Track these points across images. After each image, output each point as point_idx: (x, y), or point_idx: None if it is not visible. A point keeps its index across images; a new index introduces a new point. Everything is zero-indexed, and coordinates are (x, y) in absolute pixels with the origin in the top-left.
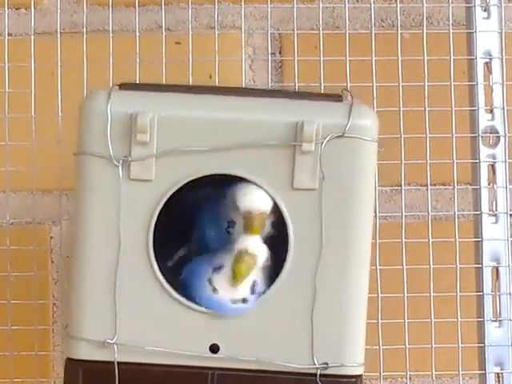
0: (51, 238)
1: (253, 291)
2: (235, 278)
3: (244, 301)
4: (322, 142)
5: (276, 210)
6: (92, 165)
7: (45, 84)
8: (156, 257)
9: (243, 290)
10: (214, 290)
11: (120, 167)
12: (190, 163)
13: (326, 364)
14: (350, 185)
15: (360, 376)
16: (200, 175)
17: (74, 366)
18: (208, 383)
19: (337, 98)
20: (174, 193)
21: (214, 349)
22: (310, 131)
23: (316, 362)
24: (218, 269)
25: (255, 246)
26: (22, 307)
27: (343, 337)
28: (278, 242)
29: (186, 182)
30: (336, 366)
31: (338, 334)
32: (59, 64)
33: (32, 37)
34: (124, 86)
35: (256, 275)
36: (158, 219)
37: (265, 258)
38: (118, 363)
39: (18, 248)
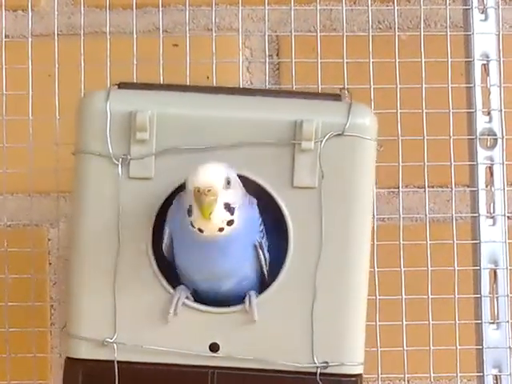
0: (49, 240)
1: (231, 211)
2: (205, 214)
3: (229, 223)
4: (322, 141)
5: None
6: (91, 163)
7: (42, 86)
8: (155, 255)
9: (221, 215)
10: (200, 230)
11: (119, 166)
12: (189, 161)
13: (326, 363)
14: (349, 183)
15: (360, 375)
16: None
17: (73, 365)
18: (208, 382)
19: (336, 97)
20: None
21: (214, 348)
22: (309, 129)
23: (316, 361)
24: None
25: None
26: (19, 309)
27: (343, 336)
28: (277, 240)
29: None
30: (336, 364)
31: (337, 333)
32: (56, 66)
33: (29, 39)
34: (123, 85)
35: (224, 197)
36: (156, 217)
37: (224, 181)
38: (118, 362)
39: (16, 250)
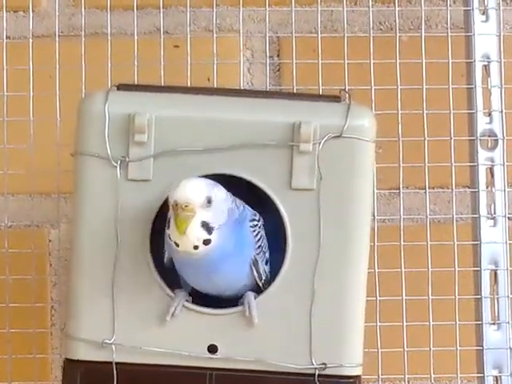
0: (50, 241)
1: (209, 230)
2: (179, 229)
3: (206, 242)
4: (320, 143)
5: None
6: (90, 165)
7: (43, 87)
8: (153, 257)
9: (197, 233)
10: (176, 244)
11: (118, 168)
12: (187, 163)
13: (325, 364)
14: (347, 185)
15: (358, 376)
16: (198, 175)
17: (72, 366)
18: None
19: (335, 98)
20: None
21: (213, 349)
22: (307, 131)
23: (314, 363)
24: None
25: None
26: (20, 310)
27: (341, 337)
28: (276, 242)
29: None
30: (334, 366)
31: (336, 334)
32: (57, 67)
33: (30, 40)
34: (122, 87)
35: (202, 216)
36: (155, 219)
37: (203, 200)
38: (116, 363)
39: (17, 251)
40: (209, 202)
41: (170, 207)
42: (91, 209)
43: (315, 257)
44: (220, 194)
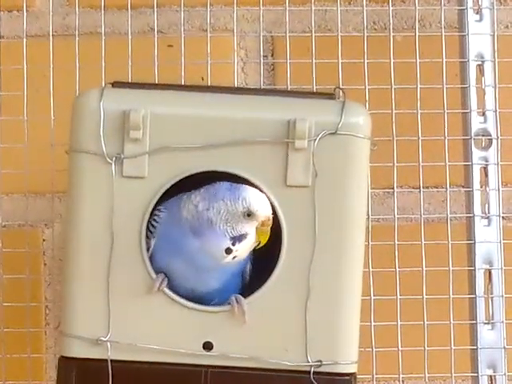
0: (44, 240)
1: None
2: (262, 240)
3: None
4: (315, 140)
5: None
6: (85, 162)
7: (37, 86)
8: (149, 254)
9: None
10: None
11: (113, 164)
12: (182, 160)
13: (320, 361)
14: (342, 181)
15: (354, 373)
16: (193, 172)
17: (67, 364)
18: (202, 381)
19: (329, 96)
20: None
21: (208, 346)
22: (302, 128)
23: (310, 360)
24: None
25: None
26: (14, 310)
27: (337, 334)
28: (271, 239)
29: (178, 179)
30: (330, 363)
31: (331, 332)
32: (51, 66)
33: (24, 39)
34: (117, 84)
35: None
36: (150, 216)
37: None
38: (112, 361)
39: (11, 250)
40: None
41: (245, 215)
42: (86, 206)
43: (310, 254)
44: None
